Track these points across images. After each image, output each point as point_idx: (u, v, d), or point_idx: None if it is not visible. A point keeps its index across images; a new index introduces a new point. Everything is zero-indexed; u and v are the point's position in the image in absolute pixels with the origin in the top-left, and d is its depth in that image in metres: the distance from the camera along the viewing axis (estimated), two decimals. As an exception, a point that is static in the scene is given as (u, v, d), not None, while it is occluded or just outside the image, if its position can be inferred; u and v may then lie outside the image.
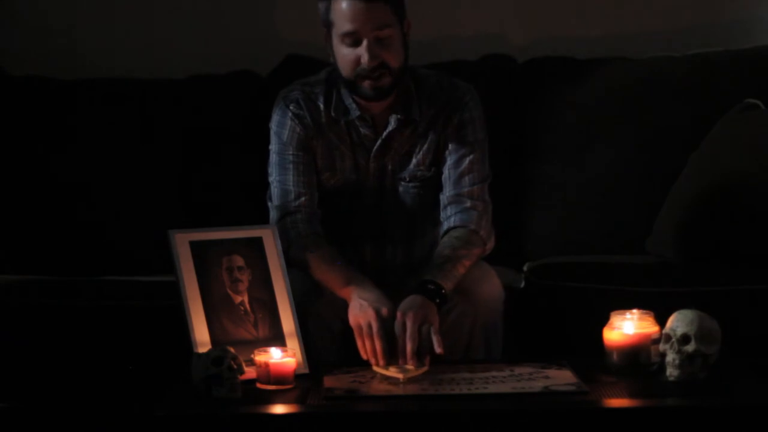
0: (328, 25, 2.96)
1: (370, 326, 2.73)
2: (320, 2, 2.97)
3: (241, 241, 2.83)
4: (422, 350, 2.71)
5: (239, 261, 2.81)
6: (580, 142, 3.66)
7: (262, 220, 3.08)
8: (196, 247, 2.78)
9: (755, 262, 3.19)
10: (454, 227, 3.01)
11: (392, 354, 2.72)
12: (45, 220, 3.53)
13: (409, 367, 2.69)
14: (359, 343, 2.75)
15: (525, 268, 3.28)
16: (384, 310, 2.76)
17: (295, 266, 2.93)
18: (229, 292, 2.78)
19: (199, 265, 2.77)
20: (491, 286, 2.98)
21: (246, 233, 2.85)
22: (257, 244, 2.84)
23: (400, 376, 2.65)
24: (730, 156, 3.35)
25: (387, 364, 2.71)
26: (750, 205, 3.23)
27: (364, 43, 2.90)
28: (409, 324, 2.72)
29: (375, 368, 2.72)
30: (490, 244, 3.05)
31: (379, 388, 2.63)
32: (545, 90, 3.74)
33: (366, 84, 2.94)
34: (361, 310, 2.77)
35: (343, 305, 2.85)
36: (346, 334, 2.82)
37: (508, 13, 3.98)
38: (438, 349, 2.71)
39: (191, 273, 2.76)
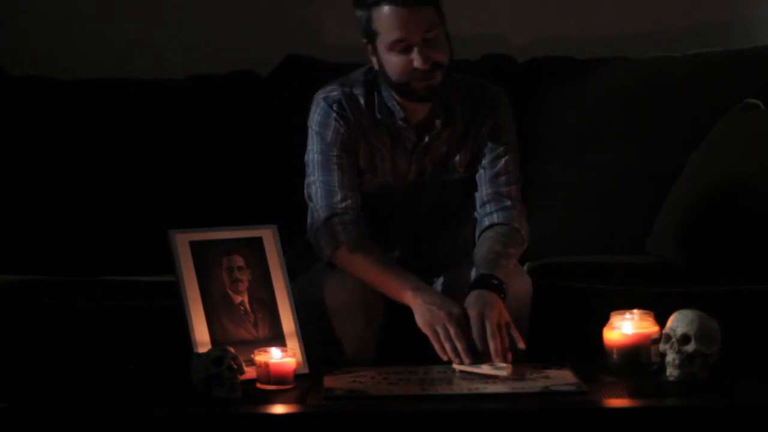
0: (371, 34, 2.92)
1: (445, 328, 2.73)
2: (360, 12, 2.93)
3: (241, 241, 2.83)
4: (504, 348, 2.71)
5: (239, 261, 2.81)
6: (580, 142, 3.66)
7: (262, 220, 3.08)
8: (196, 247, 2.78)
9: (755, 262, 3.19)
10: (498, 224, 3.01)
11: (473, 352, 2.72)
12: (45, 220, 3.53)
13: (501, 364, 2.68)
14: (437, 347, 2.74)
15: (525, 268, 3.28)
16: (455, 310, 2.76)
17: (339, 267, 2.93)
18: (229, 292, 2.78)
19: (199, 265, 2.77)
20: (522, 281, 2.99)
21: (246, 233, 2.85)
22: (257, 244, 2.84)
23: (502, 373, 2.64)
24: (730, 156, 3.35)
25: (471, 363, 2.70)
26: (750, 205, 3.23)
27: (415, 49, 2.88)
28: (488, 323, 2.72)
29: (457, 367, 2.71)
30: (526, 245, 3.06)
31: (379, 388, 2.63)
32: (545, 90, 3.74)
33: (419, 85, 2.91)
34: (432, 314, 2.77)
35: (362, 300, 2.86)
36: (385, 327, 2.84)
37: (508, 13, 3.98)
38: (521, 345, 2.72)
39: (191, 273, 2.76)
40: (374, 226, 3.04)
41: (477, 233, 3.04)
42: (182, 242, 2.77)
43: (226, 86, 3.76)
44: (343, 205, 2.99)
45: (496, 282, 2.82)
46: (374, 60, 2.97)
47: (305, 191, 3.05)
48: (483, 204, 3.05)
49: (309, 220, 3.03)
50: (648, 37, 3.96)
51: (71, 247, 3.51)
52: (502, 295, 2.81)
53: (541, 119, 3.70)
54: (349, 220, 2.97)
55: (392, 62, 2.92)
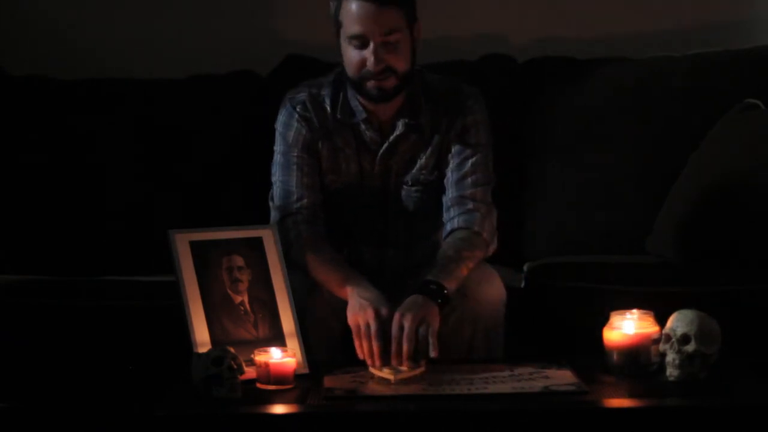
0: (337, 24, 2.95)
1: (368, 326, 2.73)
2: (331, 1, 2.96)
3: (241, 241, 2.83)
4: (418, 352, 2.71)
5: (239, 261, 2.81)
6: (579, 142, 3.66)
7: (262, 220, 3.08)
8: (196, 247, 2.78)
9: (755, 262, 3.19)
10: (458, 228, 3.01)
11: (389, 355, 2.72)
12: (45, 220, 3.53)
13: (403, 368, 2.68)
14: (356, 343, 2.75)
15: (525, 268, 3.28)
16: (383, 310, 2.75)
17: (295, 267, 2.93)
18: (229, 292, 2.78)
19: (199, 265, 2.77)
20: (493, 288, 2.98)
21: (246, 233, 2.85)
22: (257, 244, 2.84)
23: (391, 377, 2.65)
24: (730, 156, 3.35)
25: (383, 365, 2.70)
26: (750, 205, 3.23)
27: (371, 46, 2.90)
28: (406, 325, 2.71)
29: (371, 369, 2.72)
30: (493, 247, 3.04)
31: (379, 388, 2.63)
32: (545, 90, 3.74)
33: (370, 84, 2.93)
34: (360, 309, 2.77)
35: (342, 307, 2.85)
36: (345, 336, 2.82)
37: (508, 13, 3.98)
38: (432, 353, 2.70)
39: (191, 273, 2.76)
40: (343, 226, 3.05)
41: (443, 239, 3.03)
42: (182, 242, 2.77)
43: (226, 86, 3.76)
44: (298, 204, 3.00)
45: (434, 287, 2.81)
46: (338, 52, 2.99)
47: (270, 192, 3.07)
48: (447, 209, 3.05)
49: (270, 222, 3.04)
50: (648, 37, 3.96)
51: (71, 247, 3.51)
52: (439, 300, 2.80)
53: (541, 119, 3.70)
54: (302, 219, 2.99)
55: (348, 56, 2.94)
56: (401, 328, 2.71)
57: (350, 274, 2.89)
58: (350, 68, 2.95)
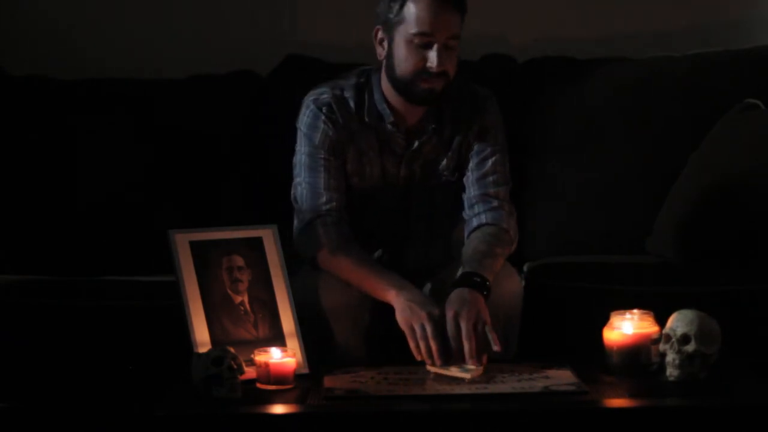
0: (393, 21, 2.92)
1: (423, 327, 2.73)
2: None
3: (241, 241, 2.83)
4: (480, 350, 2.71)
5: (239, 261, 2.81)
6: (579, 142, 3.66)
7: (262, 220, 3.07)
8: (196, 247, 2.78)
9: (755, 262, 3.19)
10: (485, 224, 3.02)
11: (447, 354, 2.71)
12: (45, 220, 3.52)
13: (471, 366, 2.68)
14: (412, 345, 2.74)
15: (525, 268, 3.28)
16: (435, 311, 2.75)
17: (324, 268, 2.94)
18: (229, 292, 2.78)
19: (199, 265, 2.77)
20: (512, 283, 2.99)
21: (246, 233, 2.86)
22: (257, 244, 2.84)
23: (467, 375, 2.64)
24: (730, 156, 3.35)
25: (443, 364, 2.70)
26: (750, 205, 3.23)
27: (435, 47, 2.88)
28: (463, 324, 2.71)
29: (430, 368, 2.71)
30: (515, 246, 3.06)
31: (379, 388, 2.63)
32: (545, 90, 3.74)
33: (423, 87, 2.92)
34: (411, 312, 2.76)
35: (372, 301, 2.86)
36: (373, 329, 2.84)
37: (508, 13, 3.98)
38: (495, 347, 2.71)
39: (191, 273, 2.76)
40: (363, 228, 3.05)
41: (466, 234, 3.04)
42: (182, 242, 2.77)
43: (226, 86, 3.76)
44: (327, 207, 2.99)
45: (478, 279, 2.82)
46: (381, 48, 2.98)
47: (291, 192, 3.06)
48: (471, 205, 3.06)
49: (294, 222, 3.03)
50: (648, 37, 3.96)
51: (71, 247, 3.51)
52: (485, 293, 2.81)
53: (541, 119, 3.70)
54: (331, 221, 2.98)
55: (405, 55, 2.92)
56: (458, 326, 2.72)
57: (390, 277, 2.88)
58: (404, 66, 2.92)
